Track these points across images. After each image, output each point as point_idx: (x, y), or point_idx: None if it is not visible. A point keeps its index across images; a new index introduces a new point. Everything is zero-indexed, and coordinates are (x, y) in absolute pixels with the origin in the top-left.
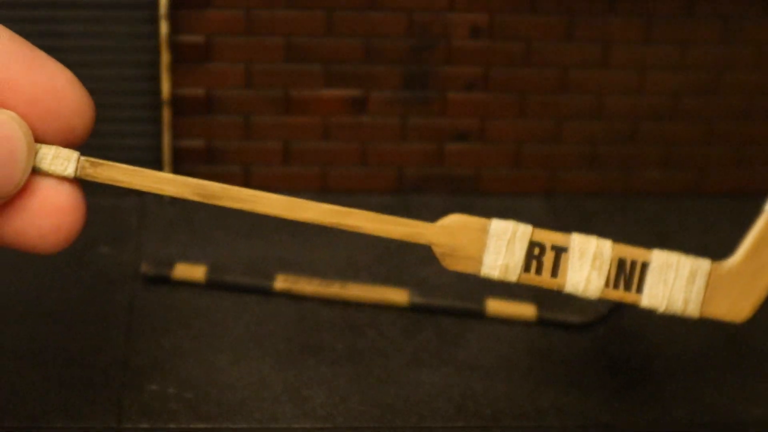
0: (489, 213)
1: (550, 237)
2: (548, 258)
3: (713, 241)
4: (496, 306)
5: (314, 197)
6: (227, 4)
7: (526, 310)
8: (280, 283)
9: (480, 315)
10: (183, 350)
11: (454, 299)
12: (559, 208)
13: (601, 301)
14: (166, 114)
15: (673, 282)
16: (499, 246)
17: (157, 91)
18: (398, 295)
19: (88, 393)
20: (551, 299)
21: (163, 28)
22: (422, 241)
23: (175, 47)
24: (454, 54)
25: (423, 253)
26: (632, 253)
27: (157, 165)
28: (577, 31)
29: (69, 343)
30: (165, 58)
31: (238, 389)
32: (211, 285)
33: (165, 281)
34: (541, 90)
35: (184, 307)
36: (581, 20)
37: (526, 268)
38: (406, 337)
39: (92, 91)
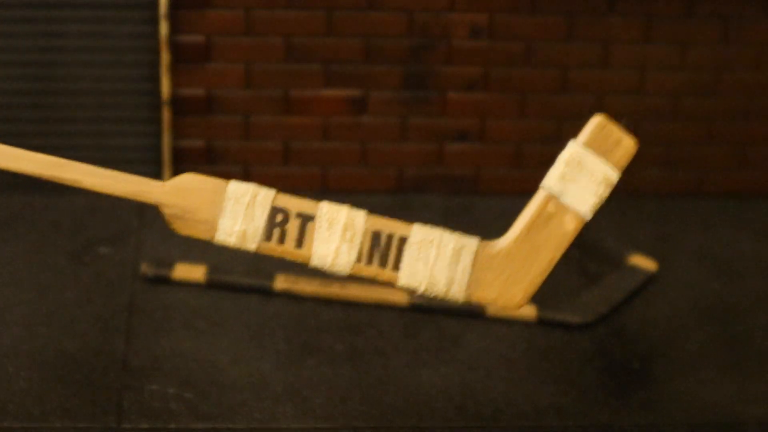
0: (489, 213)
1: (296, 204)
2: (293, 226)
3: (713, 241)
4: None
5: (314, 197)
6: (227, 4)
7: (526, 310)
8: (280, 283)
9: (480, 315)
10: (183, 350)
11: None
12: None
13: (601, 301)
14: (166, 114)
15: (435, 260)
16: (236, 210)
17: (157, 91)
18: (398, 295)
19: (87, 393)
20: (551, 299)
21: (163, 28)
22: (150, 200)
23: (175, 47)
24: (454, 54)
25: None
26: (389, 226)
27: (157, 165)
28: (577, 31)
29: (69, 343)
30: (165, 58)
31: (238, 389)
32: (211, 285)
33: (165, 281)
34: (541, 90)
35: (184, 307)
36: (581, 20)
37: (268, 236)
38: (406, 337)
39: (92, 91)
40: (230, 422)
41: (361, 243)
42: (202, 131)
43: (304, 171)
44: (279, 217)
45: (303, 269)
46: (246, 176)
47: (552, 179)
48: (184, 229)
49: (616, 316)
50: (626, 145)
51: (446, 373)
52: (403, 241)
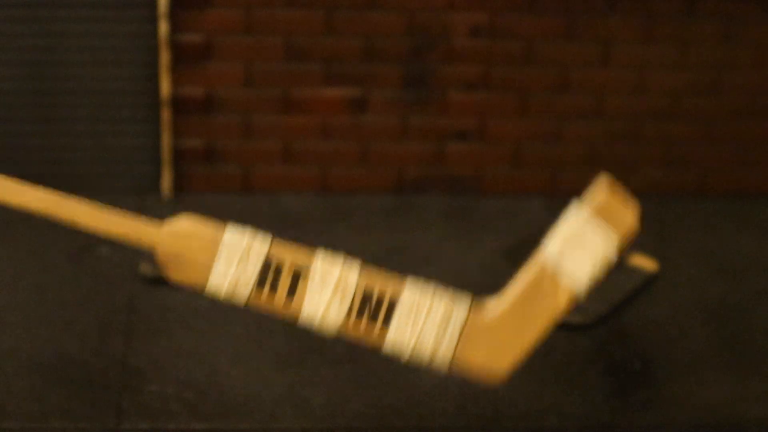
0: (489, 213)
1: (291, 255)
2: (285, 280)
3: (714, 241)
4: None
5: (314, 197)
6: (227, 3)
7: None
8: None
9: None
10: (183, 350)
11: None
12: (559, 208)
13: (601, 301)
14: (166, 114)
15: (423, 324)
16: (231, 260)
17: (156, 91)
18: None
19: (87, 393)
20: None
21: (163, 27)
22: (146, 244)
23: (174, 47)
24: (454, 54)
25: (422, 254)
26: (382, 283)
27: (156, 165)
28: (578, 30)
29: (68, 344)
30: (164, 57)
31: (238, 389)
32: None
33: (164, 282)
34: (542, 90)
35: (183, 308)
36: (581, 20)
37: (259, 288)
38: None
39: (92, 91)
40: (230, 422)
41: (352, 301)
42: (202, 131)
43: (304, 171)
44: (273, 266)
45: None
46: (246, 176)
47: (551, 251)
48: (176, 274)
49: (617, 316)
50: (629, 216)
51: (446, 373)
52: (394, 301)
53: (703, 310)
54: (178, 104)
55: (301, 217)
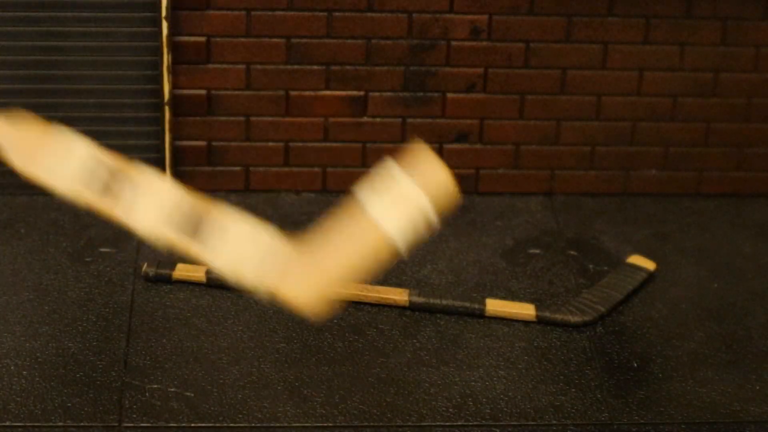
0: (489, 213)
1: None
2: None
3: (712, 241)
4: (495, 305)
5: (314, 197)
6: (228, 4)
7: (525, 309)
8: None
9: (479, 314)
10: (184, 349)
11: (454, 299)
12: (559, 208)
13: (600, 301)
14: (167, 114)
15: (242, 247)
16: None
17: (157, 92)
18: (398, 295)
19: (88, 393)
20: (550, 299)
21: (165, 29)
22: None
23: (175, 47)
24: (454, 54)
25: (422, 254)
26: (200, 204)
27: (157, 165)
28: (576, 31)
29: (70, 343)
30: (166, 59)
31: (239, 388)
32: (212, 285)
33: (166, 281)
34: (541, 90)
35: (184, 307)
36: (580, 21)
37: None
38: (406, 336)
39: (93, 92)
40: (231, 421)
41: (175, 211)
42: (203, 131)
43: (304, 171)
44: (110, 175)
45: None
46: (246, 176)
47: (362, 189)
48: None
49: (615, 315)
50: (441, 176)
51: (446, 373)
52: (213, 219)
53: (701, 309)
54: (179, 104)
55: (301, 217)
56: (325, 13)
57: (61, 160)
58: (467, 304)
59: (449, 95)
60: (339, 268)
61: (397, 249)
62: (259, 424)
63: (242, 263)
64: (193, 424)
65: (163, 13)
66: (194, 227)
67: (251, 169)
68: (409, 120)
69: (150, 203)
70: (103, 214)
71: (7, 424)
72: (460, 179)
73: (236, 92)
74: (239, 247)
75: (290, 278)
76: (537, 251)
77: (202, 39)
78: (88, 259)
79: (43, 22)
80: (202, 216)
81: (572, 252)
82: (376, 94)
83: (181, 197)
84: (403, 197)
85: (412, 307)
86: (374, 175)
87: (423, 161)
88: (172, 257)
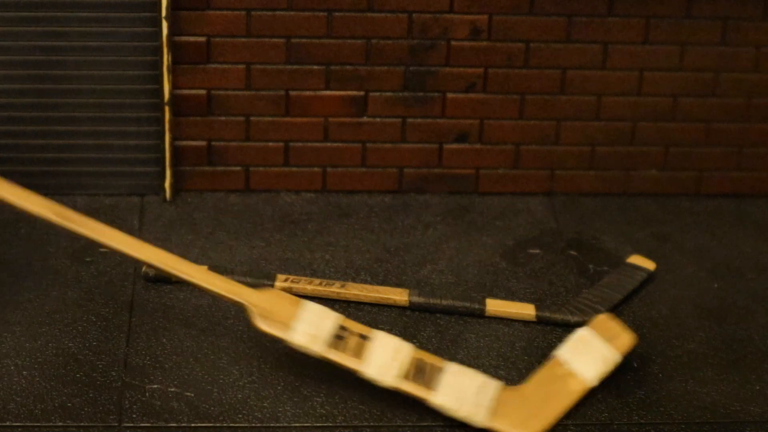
0: (489, 213)
1: (357, 325)
2: (353, 340)
3: (712, 241)
4: (495, 305)
5: (314, 197)
6: (227, 4)
7: (525, 309)
8: (280, 283)
9: (479, 314)
10: (183, 349)
11: (454, 299)
12: (559, 208)
13: (600, 301)
14: (167, 114)
15: (467, 387)
16: (310, 318)
17: (157, 92)
18: (398, 295)
19: (89, 392)
20: (550, 299)
21: (165, 29)
22: (242, 299)
23: (175, 47)
24: (454, 54)
25: (422, 254)
26: (431, 357)
27: (157, 165)
28: (576, 31)
29: (70, 343)
30: (166, 59)
31: (239, 388)
32: None
33: (165, 281)
34: (541, 90)
35: (184, 307)
36: (580, 21)
37: (331, 343)
38: (406, 336)
39: (93, 92)
40: (231, 421)
41: (408, 364)
42: (203, 131)
43: (304, 171)
44: (342, 331)
45: (303, 269)
46: (246, 176)
47: (563, 349)
48: (264, 325)
49: (615, 315)
50: (626, 337)
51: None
52: (441, 369)
53: (700, 309)
54: (179, 104)
55: (301, 217)
56: (325, 13)
57: (307, 326)
58: (467, 304)
59: (449, 95)
60: (550, 411)
61: (591, 389)
62: (259, 424)
63: (461, 401)
64: (193, 424)
65: (163, 13)
66: (423, 374)
67: (251, 169)
68: (409, 120)
69: (384, 353)
70: (337, 364)
71: (7, 424)
72: (460, 179)
73: (236, 92)
74: (459, 388)
75: (507, 413)
76: (537, 251)
77: (202, 39)
78: (88, 259)
79: (43, 22)
80: (427, 364)
81: (572, 252)
82: (376, 94)
83: (409, 348)
84: (597, 352)
85: (412, 307)
86: (570, 337)
87: (610, 327)
88: None
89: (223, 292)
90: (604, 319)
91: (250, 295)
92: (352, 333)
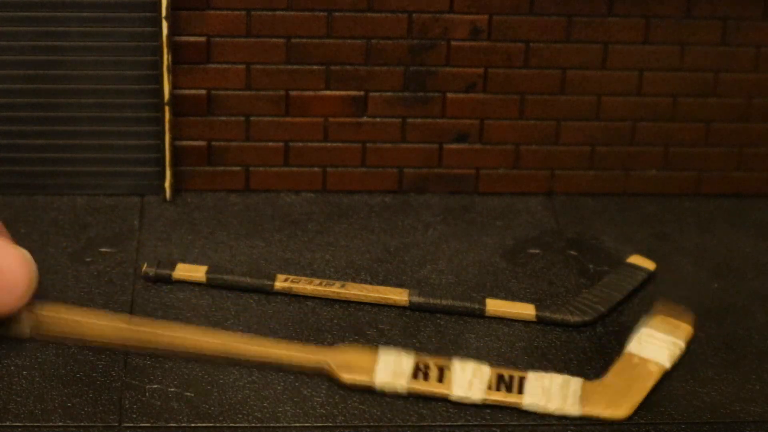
0: (489, 213)
1: (433, 358)
2: (433, 371)
3: (712, 241)
4: (495, 305)
5: (314, 197)
6: (227, 4)
7: (525, 309)
8: (280, 283)
9: (479, 314)
10: None
11: (454, 299)
12: (559, 207)
13: (600, 301)
14: (167, 114)
15: (549, 386)
16: (388, 359)
17: (158, 92)
18: (398, 295)
19: (89, 392)
20: (550, 299)
21: (165, 29)
22: (323, 361)
23: (175, 48)
24: (454, 54)
25: (422, 254)
26: (509, 371)
27: (157, 165)
28: (576, 31)
29: (69, 343)
30: (166, 59)
31: (239, 388)
32: (211, 285)
33: (166, 281)
34: (541, 90)
35: (184, 307)
36: (580, 21)
37: (414, 375)
38: (406, 336)
39: (93, 92)
40: (231, 421)
41: (489, 378)
42: (203, 131)
43: (304, 171)
44: (421, 365)
45: (303, 269)
46: (246, 176)
47: (631, 344)
48: (349, 377)
49: (615, 315)
50: (685, 327)
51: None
52: (522, 378)
53: (700, 309)
54: (179, 104)
55: (301, 217)
56: (325, 13)
57: (389, 366)
58: (467, 304)
59: (449, 95)
60: (637, 391)
61: (666, 371)
62: (259, 424)
63: (549, 397)
64: (193, 424)
65: (163, 13)
66: (506, 384)
67: (251, 169)
68: (409, 120)
69: (465, 374)
70: (425, 393)
71: (7, 424)
72: (460, 179)
73: (236, 92)
74: (544, 387)
75: (596, 400)
76: (537, 251)
77: (202, 39)
78: (88, 259)
79: (43, 22)
80: (507, 375)
81: (572, 252)
82: (376, 94)
83: (488, 366)
84: (663, 341)
85: (412, 307)
86: (633, 335)
87: (668, 323)
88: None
89: (304, 363)
90: (660, 318)
91: (326, 354)
92: (430, 366)
